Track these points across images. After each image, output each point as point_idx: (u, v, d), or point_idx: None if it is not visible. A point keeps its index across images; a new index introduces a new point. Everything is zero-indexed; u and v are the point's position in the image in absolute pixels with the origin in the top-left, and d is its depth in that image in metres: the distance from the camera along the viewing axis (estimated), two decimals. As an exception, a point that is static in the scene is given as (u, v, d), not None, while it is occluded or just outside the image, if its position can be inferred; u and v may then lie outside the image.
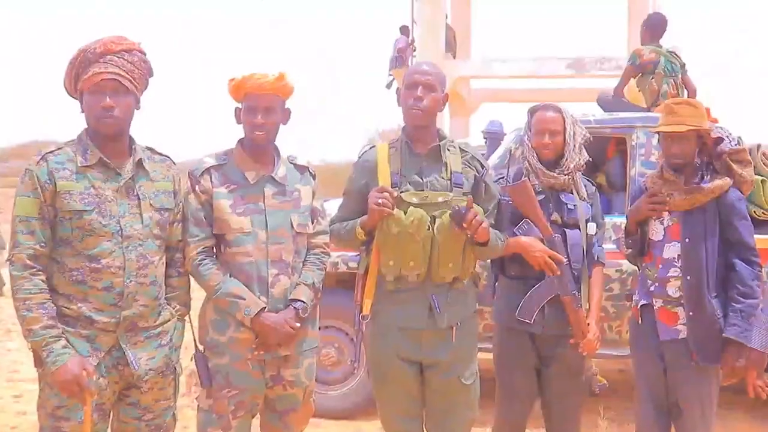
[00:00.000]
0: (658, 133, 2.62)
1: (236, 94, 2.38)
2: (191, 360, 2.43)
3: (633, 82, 4.51)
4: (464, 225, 2.25)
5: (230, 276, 2.33)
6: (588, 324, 2.60)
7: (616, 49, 13.67)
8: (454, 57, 11.81)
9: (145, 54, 2.18)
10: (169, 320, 2.26)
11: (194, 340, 2.46)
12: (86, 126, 2.17)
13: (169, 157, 2.34)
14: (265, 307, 2.31)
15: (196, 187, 2.36)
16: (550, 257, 2.58)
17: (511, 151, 3.77)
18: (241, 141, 2.44)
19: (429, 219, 2.32)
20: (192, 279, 2.40)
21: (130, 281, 2.11)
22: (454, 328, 2.40)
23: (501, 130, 5.89)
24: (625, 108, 4.26)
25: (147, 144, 2.30)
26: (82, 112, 2.15)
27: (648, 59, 4.46)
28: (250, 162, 2.39)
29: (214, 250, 2.40)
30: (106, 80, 2.07)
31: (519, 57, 11.26)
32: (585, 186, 2.74)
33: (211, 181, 2.36)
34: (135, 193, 2.16)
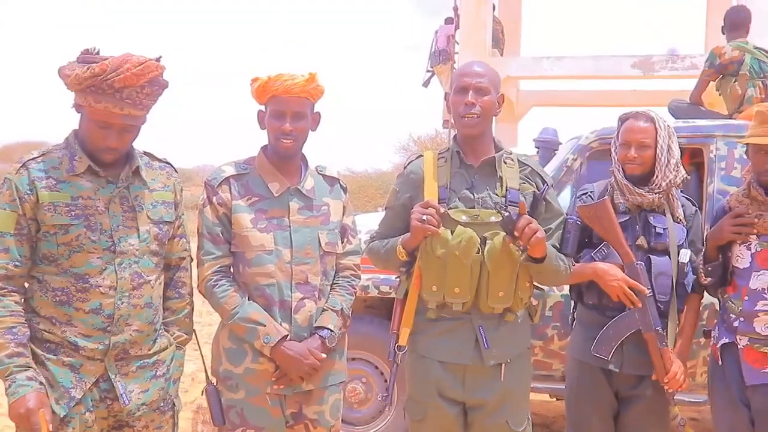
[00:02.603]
0: (746, 144, 2.60)
1: (261, 97, 2.41)
2: (201, 394, 2.46)
3: (712, 85, 4.47)
4: (515, 234, 2.22)
5: (249, 299, 2.36)
6: (672, 360, 2.58)
7: (691, 46, 13.53)
8: (502, 54, 11.80)
9: (163, 75, 2.12)
10: (166, 348, 2.27)
11: (205, 372, 2.49)
12: (77, 129, 2.16)
13: (170, 164, 2.34)
14: (287, 335, 2.34)
15: (213, 199, 2.39)
16: (630, 287, 2.57)
17: (568, 163, 3.76)
18: (264, 148, 2.48)
19: (479, 241, 2.31)
20: (204, 302, 2.44)
21: (122, 303, 2.11)
22: (504, 365, 2.39)
23: (555, 139, 5.89)
24: (702, 115, 4.22)
25: (146, 149, 2.30)
26: (76, 111, 2.12)
27: (730, 58, 4.41)
28: (274, 172, 2.42)
29: (231, 270, 2.43)
30: (118, 122, 2.05)
31: (576, 55, 11.20)
32: (683, 206, 2.73)
33: (230, 192, 2.39)
34: (130, 204, 2.16)
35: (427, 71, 11.25)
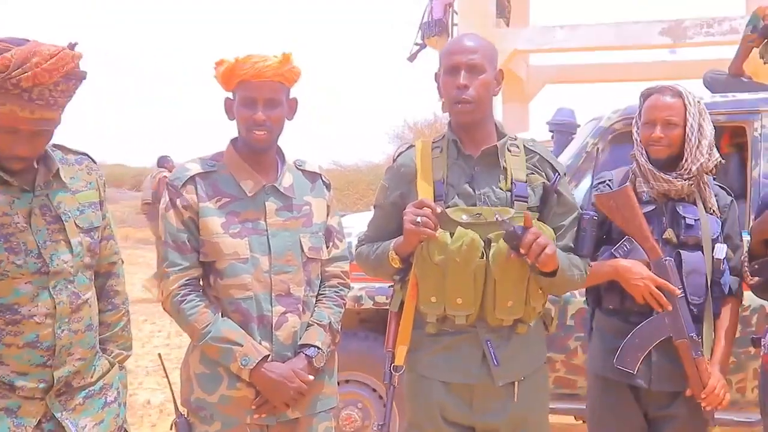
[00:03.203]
0: None
1: (228, 82, 2.42)
2: (171, 429, 2.47)
3: (755, 52, 4.48)
4: (521, 251, 2.22)
5: (222, 316, 2.38)
6: (710, 372, 2.58)
7: (728, 7, 13.55)
8: (508, 25, 11.84)
9: (80, 66, 2.02)
10: (108, 371, 2.25)
11: (174, 402, 2.50)
12: None
13: (87, 155, 2.28)
14: (268, 356, 2.35)
15: (177, 201, 2.40)
16: (657, 287, 2.58)
17: (588, 148, 3.79)
18: (234, 141, 2.50)
19: (482, 243, 2.31)
20: (171, 322, 2.44)
21: (63, 331, 2.07)
22: (517, 384, 2.40)
23: (573, 121, 5.92)
24: (744, 87, 4.24)
25: (56, 141, 2.20)
26: None
27: (776, 21, 4.42)
28: (246, 168, 2.44)
29: (201, 283, 2.45)
30: (27, 127, 1.96)
31: (594, 22, 11.24)
32: (717, 195, 2.74)
33: (196, 193, 2.40)
34: (54, 214, 2.09)
35: (416, 44, 11.23)
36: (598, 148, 3.77)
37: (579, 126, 5.41)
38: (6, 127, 1.95)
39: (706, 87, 4.44)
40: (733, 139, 4.19)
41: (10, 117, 1.93)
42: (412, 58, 11.30)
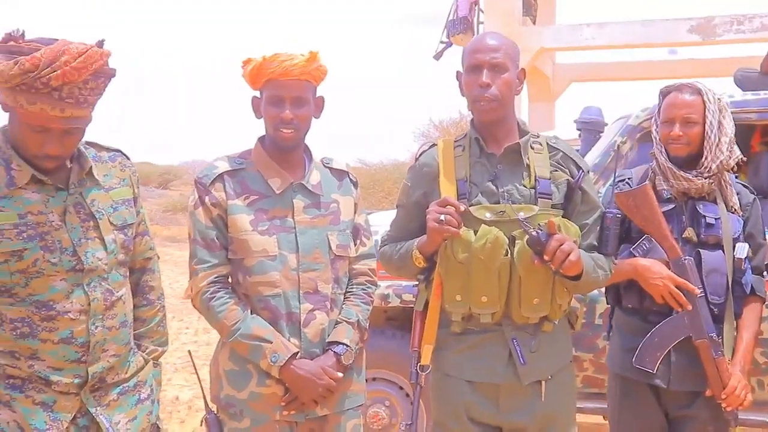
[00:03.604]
0: None
1: (255, 81, 2.43)
2: (201, 425, 2.50)
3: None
4: (545, 257, 2.22)
5: (251, 313, 2.40)
6: (730, 373, 2.56)
7: (759, 4, 13.41)
8: (534, 23, 11.79)
9: (109, 64, 2.03)
10: (143, 367, 2.27)
11: (204, 399, 2.52)
12: (6, 127, 2.08)
13: (120, 151, 2.29)
14: (297, 353, 2.37)
15: (206, 199, 2.42)
16: (677, 286, 2.57)
17: (616, 146, 3.76)
18: (261, 140, 2.51)
19: (506, 241, 2.31)
20: (200, 318, 2.46)
21: (97, 327, 2.09)
22: (544, 383, 2.40)
23: (600, 119, 5.88)
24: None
25: (93, 139, 2.23)
26: (3, 110, 2.02)
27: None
28: (274, 166, 2.45)
29: (230, 280, 2.47)
30: (58, 126, 1.97)
31: (621, 20, 11.16)
32: (739, 194, 2.72)
33: (224, 190, 2.42)
34: (88, 212, 2.11)
35: (441, 42, 11.18)
36: (626, 147, 3.74)
37: (606, 124, 5.38)
38: (37, 126, 1.96)
39: (737, 85, 4.39)
40: (764, 137, 4.15)
41: (40, 116, 1.94)
42: (438, 56, 11.27)
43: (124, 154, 2.29)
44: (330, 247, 2.45)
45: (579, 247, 2.32)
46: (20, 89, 1.91)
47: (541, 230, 2.24)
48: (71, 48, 1.92)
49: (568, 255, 2.20)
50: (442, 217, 2.27)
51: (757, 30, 9.71)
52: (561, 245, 2.20)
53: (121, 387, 2.19)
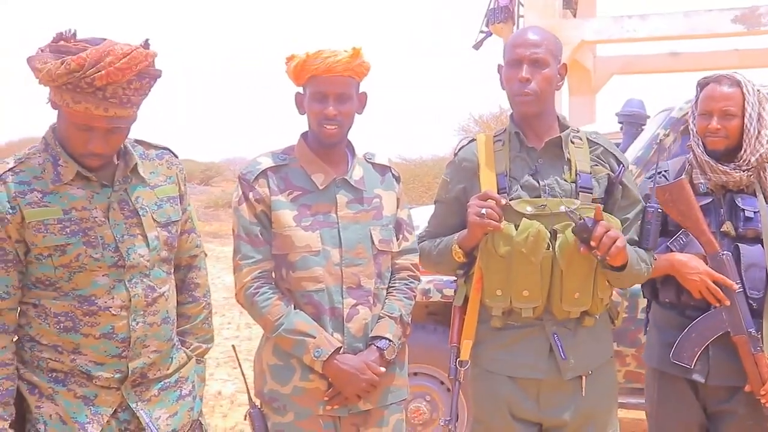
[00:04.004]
0: None
1: (299, 77, 2.44)
2: (244, 419, 2.52)
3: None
4: (592, 244, 2.21)
5: (295, 308, 2.42)
6: None
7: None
8: (575, 15, 11.70)
9: (154, 63, 2.06)
10: (185, 363, 2.29)
11: (248, 393, 2.54)
12: (55, 124, 2.11)
13: (168, 149, 2.31)
14: (340, 347, 2.38)
15: (250, 195, 2.44)
16: (714, 281, 2.54)
17: (659, 139, 3.72)
18: (304, 135, 2.52)
19: (548, 235, 2.31)
20: (243, 313, 2.48)
21: (137, 323, 2.11)
22: (585, 378, 2.39)
23: (642, 112, 5.81)
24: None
25: (138, 137, 2.25)
26: (52, 107, 2.06)
27: None
28: (317, 162, 2.46)
29: (273, 275, 2.49)
30: (102, 125, 2.00)
31: (663, 11, 11.02)
32: None
33: (268, 186, 2.44)
34: (132, 208, 2.13)
35: (481, 32, 11.14)
36: (669, 139, 3.70)
37: (648, 117, 5.32)
38: (81, 125, 2.00)
39: (783, 75, 4.33)
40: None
41: (85, 115, 1.97)
42: (477, 45, 11.24)
43: (172, 152, 2.32)
44: (373, 242, 2.46)
45: None
46: (66, 88, 1.95)
47: (586, 218, 2.24)
48: (116, 49, 1.95)
49: (615, 241, 2.20)
50: (483, 210, 2.28)
51: (804, 19, 9.53)
52: (608, 231, 2.20)
53: (162, 383, 2.21)
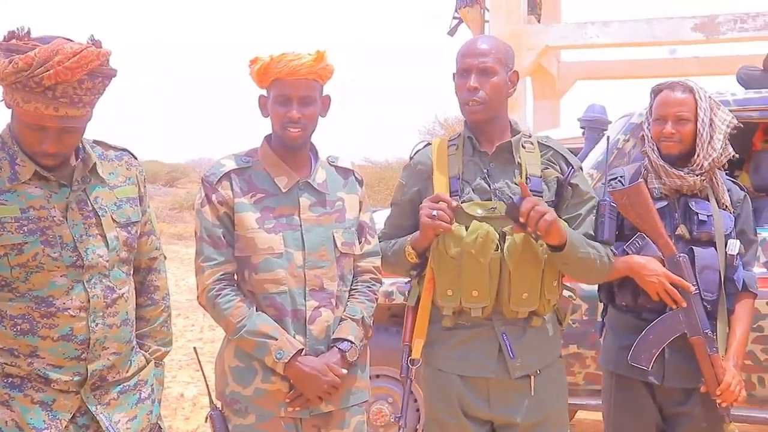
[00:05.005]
0: None
1: (262, 80, 2.44)
2: (205, 421, 2.50)
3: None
4: (521, 220, 2.25)
5: (257, 310, 2.41)
6: (725, 369, 2.57)
7: (762, 2, 13.41)
8: (539, 21, 11.80)
9: (108, 62, 2.02)
10: (144, 367, 2.27)
11: (209, 395, 2.53)
12: (9, 124, 2.08)
13: (127, 150, 2.30)
14: (302, 349, 2.38)
15: (213, 197, 2.43)
16: (672, 283, 2.58)
17: (619, 143, 3.77)
18: (268, 138, 2.52)
19: (497, 236, 2.36)
20: (206, 316, 2.46)
21: (97, 324, 2.08)
22: (533, 378, 2.43)
23: (604, 117, 5.88)
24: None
25: (96, 137, 2.24)
26: (6, 106, 2.02)
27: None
28: (280, 165, 2.46)
29: (236, 277, 2.48)
30: (53, 124, 1.97)
31: (626, 18, 11.16)
32: (729, 191, 2.73)
33: (231, 188, 2.43)
34: (91, 208, 2.11)
35: (454, 17, 11.21)
36: (629, 145, 3.74)
37: (610, 122, 5.38)
38: (33, 125, 1.98)
39: (740, 83, 4.39)
40: (766, 135, 4.15)
41: (35, 114, 1.95)
42: (452, 32, 11.32)
43: (131, 153, 2.31)
44: (335, 245, 2.46)
45: None
46: (16, 87, 1.92)
47: (515, 196, 2.29)
48: (65, 48, 1.92)
49: (543, 215, 2.23)
50: (435, 212, 2.34)
51: (761, 28, 9.73)
52: (535, 205, 2.24)
53: (121, 386, 2.19)
